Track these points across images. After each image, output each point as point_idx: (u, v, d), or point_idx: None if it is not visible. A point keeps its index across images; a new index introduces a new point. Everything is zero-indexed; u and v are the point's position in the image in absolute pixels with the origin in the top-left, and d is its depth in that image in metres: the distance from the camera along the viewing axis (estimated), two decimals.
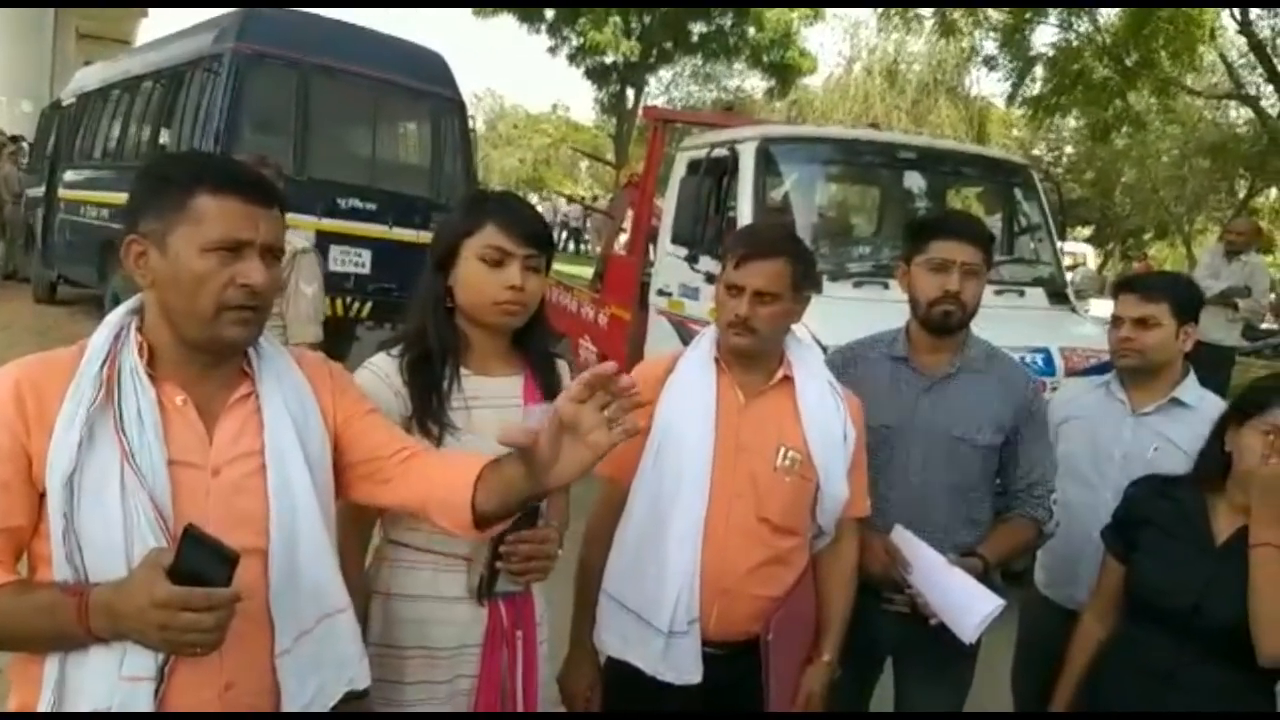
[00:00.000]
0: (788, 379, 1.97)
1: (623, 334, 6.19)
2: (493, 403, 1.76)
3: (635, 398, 1.25)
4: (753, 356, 1.95)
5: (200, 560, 1.14)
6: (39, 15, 22.41)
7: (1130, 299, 2.43)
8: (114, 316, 1.36)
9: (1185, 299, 2.42)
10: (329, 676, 1.41)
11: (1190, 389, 2.44)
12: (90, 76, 10.82)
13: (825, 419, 1.95)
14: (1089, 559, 2.27)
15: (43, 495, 1.25)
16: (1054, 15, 11.42)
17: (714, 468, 1.89)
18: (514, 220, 1.72)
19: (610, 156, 23.75)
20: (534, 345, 1.84)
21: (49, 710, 1.24)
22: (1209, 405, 2.32)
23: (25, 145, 13.84)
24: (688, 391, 1.95)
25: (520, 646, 1.79)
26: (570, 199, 22.05)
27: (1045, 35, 12.11)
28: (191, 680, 1.28)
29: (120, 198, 8.52)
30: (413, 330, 1.77)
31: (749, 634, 1.93)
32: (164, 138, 8.12)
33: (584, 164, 39.18)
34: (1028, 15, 11.31)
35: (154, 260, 1.31)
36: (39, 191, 10.94)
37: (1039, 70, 11.85)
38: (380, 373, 1.72)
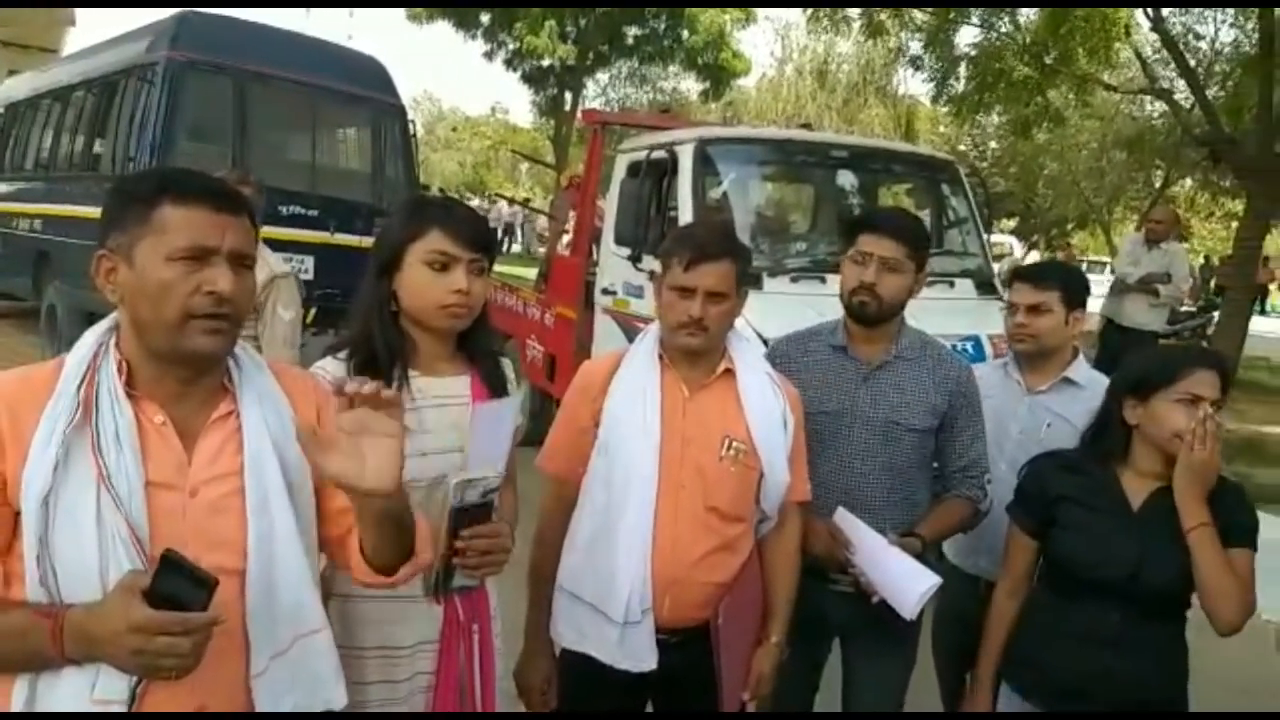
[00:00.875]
0: (729, 372, 2.02)
1: (569, 333, 6.28)
2: (441, 402, 1.80)
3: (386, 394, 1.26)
4: (702, 353, 2.00)
5: (177, 585, 1.13)
6: None
7: (1024, 288, 2.60)
8: (92, 334, 1.34)
9: (1074, 287, 2.60)
10: (303, 696, 1.39)
11: (1080, 369, 2.62)
12: (19, 86, 10.57)
13: (766, 409, 2.02)
14: (992, 528, 2.40)
15: (18, 514, 1.23)
16: (976, 16, 11.76)
17: (661, 461, 1.94)
18: (458, 225, 1.75)
19: (550, 159, 23.76)
20: (479, 345, 1.88)
21: None
22: (1097, 383, 2.45)
23: None
24: (633, 388, 2.00)
25: (477, 640, 1.83)
26: (512, 201, 21.99)
27: (968, 35, 12.46)
28: (164, 703, 1.25)
29: (53, 209, 8.41)
30: (357, 335, 1.79)
31: (699, 620, 1.99)
32: (98, 147, 8.01)
33: (524, 166, 39.04)
34: (951, 15, 11.62)
35: (122, 274, 1.29)
36: None
37: (963, 69, 12.19)
38: (329, 377, 1.70)
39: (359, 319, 1.81)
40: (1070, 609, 2.05)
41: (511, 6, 20.35)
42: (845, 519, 2.19)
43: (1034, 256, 17.68)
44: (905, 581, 2.10)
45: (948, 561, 2.72)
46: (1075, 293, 2.60)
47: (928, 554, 2.25)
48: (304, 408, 1.45)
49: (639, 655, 1.94)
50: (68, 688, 1.22)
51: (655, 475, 1.94)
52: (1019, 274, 2.72)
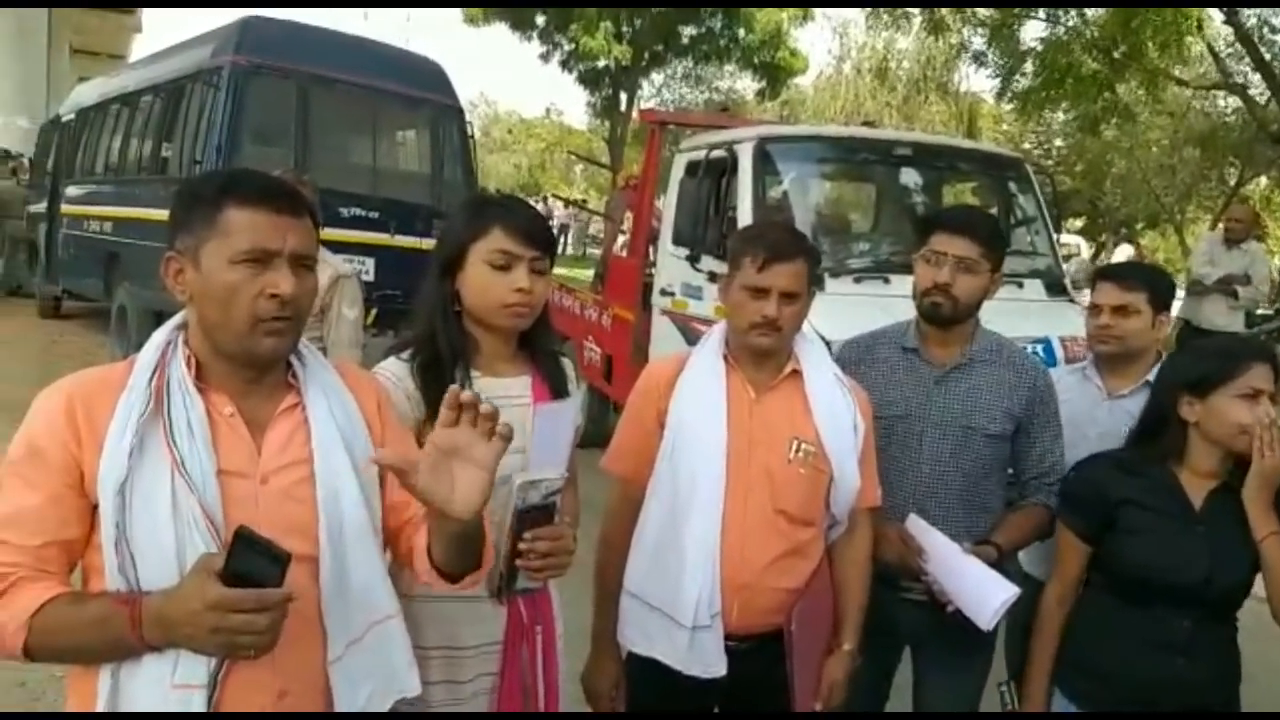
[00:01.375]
0: (796, 373, 2.00)
1: (627, 334, 6.26)
2: (503, 402, 1.76)
3: (494, 413, 1.27)
4: (770, 353, 1.99)
5: (251, 561, 1.14)
6: (33, 32, 22.39)
7: (1109, 288, 2.52)
8: (162, 331, 1.38)
9: (1161, 289, 2.53)
10: (380, 684, 1.41)
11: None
12: (89, 92, 10.88)
13: (835, 411, 1.99)
14: None
15: (95, 508, 1.27)
16: (1042, 10, 11.51)
17: (729, 463, 1.92)
18: (519, 224, 1.75)
19: (605, 159, 23.82)
20: (540, 345, 1.88)
21: None
22: None
23: (25, 161, 13.88)
24: (699, 390, 1.98)
25: (540, 642, 1.83)
26: (568, 203, 22.08)
27: (1033, 30, 12.19)
28: (244, 687, 1.28)
29: (123, 212, 8.63)
30: (420, 334, 1.79)
31: (770, 626, 1.95)
32: (165, 151, 8.19)
33: (579, 167, 39.23)
34: (1016, 10, 11.39)
35: (189, 276, 1.33)
36: (41, 207, 11.00)
37: (1028, 65, 11.92)
38: (393, 377, 1.73)
39: (422, 319, 1.81)
40: (1138, 615, 2.00)
41: (572, 6, 20.35)
42: (917, 525, 2.14)
43: (1124, 254, 17.12)
44: (982, 591, 2.04)
45: (1019, 569, 2.64)
46: (1162, 295, 2.53)
47: (1005, 563, 2.19)
48: (367, 403, 1.49)
49: (708, 661, 1.91)
50: (148, 675, 1.24)
51: (722, 477, 1.91)
52: (1105, 274, 2.64)
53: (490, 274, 1.74)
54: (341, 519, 1.37)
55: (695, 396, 1.98)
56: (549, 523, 1.62)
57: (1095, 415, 2.54)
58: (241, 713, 1.29)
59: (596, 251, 16.16)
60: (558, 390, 1.85)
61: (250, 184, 1.34)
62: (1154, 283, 2.53)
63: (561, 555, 1.65)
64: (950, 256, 2.19)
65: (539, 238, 1.77)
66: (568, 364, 1.94)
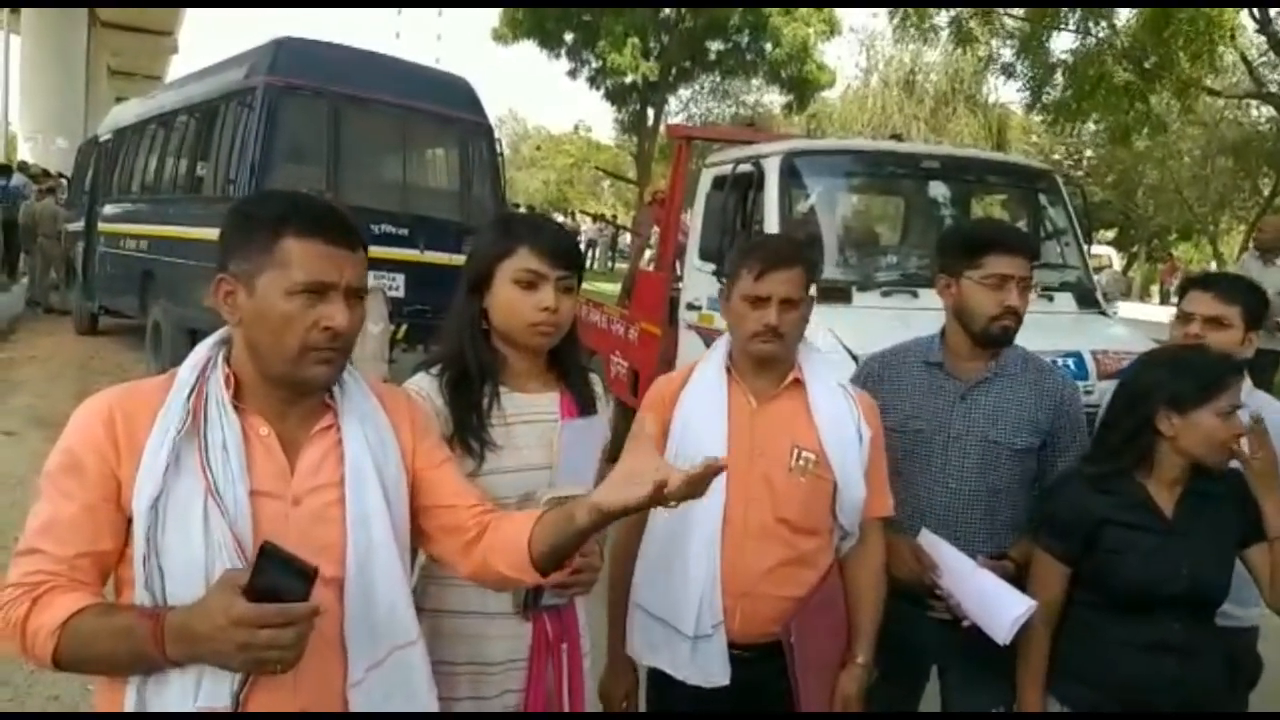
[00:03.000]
0: (798, 382, 2.01)
1: (654, 348, 6.26)
2: (531, 419, 1.80)
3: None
4: (774, 362, 2.00)
5: (277, 576, 1.13)
6: (72, 53, 22.88)
7: (1204, 297, 2.45)
8: (203, 347, 1.39)
9: (1256, 306, 2.46)
10: (398, 708, 1.41)
11: (1244, 390, 2.40)
12: (126, 112, 11.09)
13: (837, 418, 1.99)
14: None
15: (129, 521, 1.28)
16: (1071, 21, 11.43)
17: (729, 472, 1.88)
18: (546, 243, 1.76)
19: (632, 175, 23.91)
20: (568, 361, 1.89)
21: None
22: (1259, 403, 2.30)
23: (63, 181, 14.17)
24: (700, 400, 2.01)
25: (565, 659, 1.82)
26: (595, 218, 22.18)
27: (1063, 42, 12.13)
28: (266, 708, 1.28)
29: (158, 230, 8.76)
30: (450, 351, 1.81)
31: (774, 635, 1.95)
32: (200, 170, 8.32)
33: (606, 183, 39.39)
34: (1045, 20, 11.32)
35: (242, 299, 1.33)
36: (78, 225, 11.21)
37: (1058, 76, 11.84)
38: (422, 392, 1.75)
39: (451, 336, 1.83)
40: (1129, 622, 2.02)
41: (619, 6, 20.28)
42: (929, 540, 2.14)
43: (1134, 268, 16.92)
44: (997, 605, 2.03)
45: None
46: (1256, 311, 2.46)
47: (1025, 579, 2.15)
48: (400, 423, 1.50)
49: (710, 670, 1.93)
50: (174, 693, 1.24)
51: (722, 486, 1.91)
52: (1199, 282, 2.55)
53: (517, 292, 1.75)
54: (370, 542, 1.38)
55: (696, 407, 2.01)
56: None
57: None
58: (250, 713, 1.27)
59: (623, 266, 16.22)
60: (586, 407, 1.86)
61: (310, 215, 1.34)
62: (1250, 298, 2.46)
63: (587, 572, 1.64)
64: (1016, 278, 2.19)
65: (566, 257, 1.78)
66: (596, 380, 1.95)
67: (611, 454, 1.98)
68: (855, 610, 2.08)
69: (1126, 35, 11.14)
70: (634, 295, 7.06)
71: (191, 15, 31.12)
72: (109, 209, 10.27)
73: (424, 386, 1.77)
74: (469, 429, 1.73)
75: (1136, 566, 1.99)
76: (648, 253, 8.91)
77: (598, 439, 1.79)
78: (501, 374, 1.80)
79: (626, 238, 16.00)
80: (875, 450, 2.05)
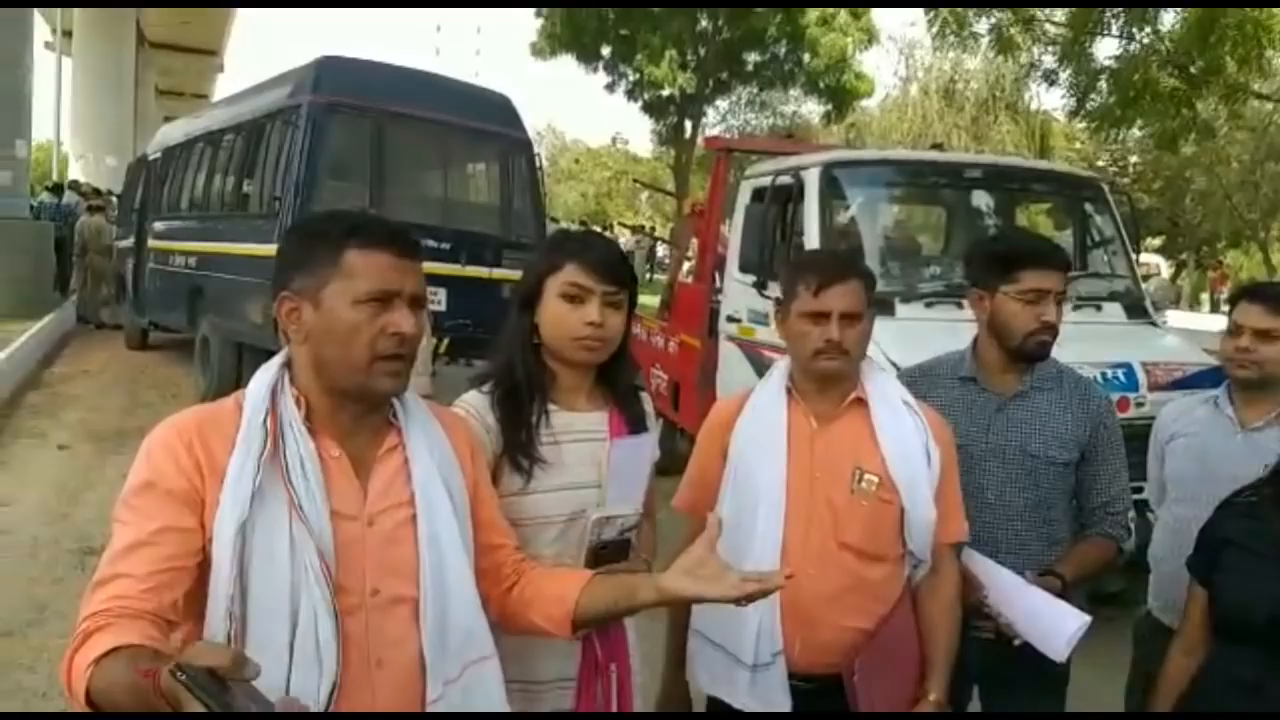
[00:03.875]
0: (860, 401, 1.94)
1: (693, 361, 6.26)
2: (580, 437, 1.80)
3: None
4: (836, 380, 1.93)
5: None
6: (121, 74, 23.48)
7: (1255, 309, 2.38)
8: (265, 371, 1.40)
9: None
10: None
11: None
12: (174, 131, 11.35)
13: (903, 439, 1.91)
14: None
15: (204, 545, 1.27)
16: (1115, 26, 11.26)
17: (789, 495, 1.88)
18: (593, 258, 1.76)
19: (670, 186, 23.95)
20: (618, 380, 1.87)
21: None
22: None
23: (114, 198, 14.50)
24: (759, 422, 1.96)
25: (614, 680, 1.81)
26: (633, 230, 22.25)
27: (1106, 47, 11.96)
28: None
29: (206, 246, 8.94)
30: (500, 367, 1.81)
31: (837, 668, 1.87)
32: (246, 187, 8.48)
33: (644, 195, 39.50)
34: (1088, 26, 11.16)
35: (307, 315, 1.34)
36: (129, 243, 11.47)
37: (1102, 83, 11.65)
38: (473, 410, 1.75)
39: (502, 352, 1.83)
40: (1221, 653, 1.93)
41: (667, 7, 20.25)
42: (974, 559, 2.07)
43: (1182, 277, 16.61)
44: (1051, 622, 1.97)
45: (1150, 614, 2.55)
46: None
47: (1071, 594, 2.11)
48: (460, 445, 1.52)
49: (771, 702, 1.86)
50: None
51: (782, 509, 1.87)
52: (1251, 293, 2.47)
53: (563, 307, 1.75)
54: (442, 560, 1.39)
55: (755, 429, 1.96)
56: (623, 559, 1.62)
57: (1228, 451, 2.38)
58: (254, 713, 1.19)
59: (661, 278, 16.23)
60: (635, 426, 1.85)
61: (372, 228, 1.38)
62: None
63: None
64: (1052, 293, 2.16)
65: (614, 272, 1.77)
66: (646, 399, 1.93)
67: (660, 468, 1.98)
68: (928, 643, 1.97)
69: (1171, 40, 10.95)
70: (673, 307, 7.07)
71: (236, 35, 31.73)
72: (158, 226, 10.50)
73: (475, 404, 1.77)
74: (518, 447, 1.73)
75: (1231, 588, 1.90)
76: (686, 264, 8.92)
77: (647, 458, 1.78)
78: (551, 391, 1.80)
79: (663, 249, 16.03)
80: (947, 470, 1.95)
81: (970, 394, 2.24)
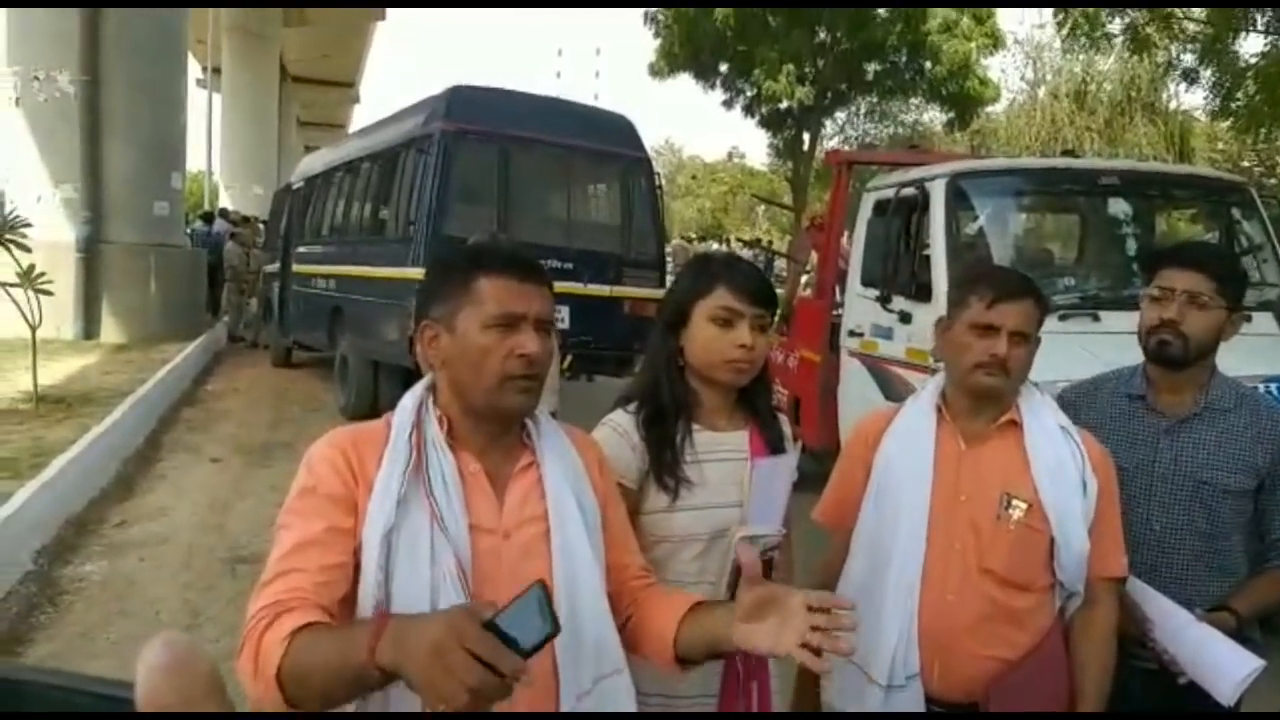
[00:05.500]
0: (1013, 424, 1.89)
1: (813, 376, 6.22)
2: (723, 456, 1.83)
3: (841, 627, 1.25)
4: (991, 399, 1.89)
5: (529, 618, 1.08)
6: (265, 107, 24.92)
7: None
8: (411, 395, 1.49)
9: None
10: None
11: None
12: (315, 161, 11.97)
13: (1058, 465, 1.85)
14: None
15: (356, 551, 1.34)
16: (1260, 20, 10.66)
17: (933, 516, 1.85)
18: (743, 282, 1.80)
19: (787, 199, 23.78)
20: (759, 400, 1.91)
21: None
22: None
23: (260, 225, 15.37)
24: (906, 439, 1.93)
25: (755, 697, 1.82)
26: (747, 244, 22.17)
27: (1252, 44, 11.32)
28: None
29: (345, 270, 9.41)
30: (646, 388, 1.86)
31: (979, 695, 1.82)
32: (383, 213, 8.88)
33: (760, 209, 39.36)
34: (1231, 22, 10.59)
35: (444, 341, 1.43)
36: (274, 267, 12.14)
37: (1248, 80, 11.04)
38: (620, 429, 1.80)
39: (647, 372, 1.89)
40: None
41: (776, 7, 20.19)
42: (1139, 590, 1.98)
43: None
44: (1221, 663, 1.87)
45: (1262, 638, 2.41)
46: None
47: (1247, 631, 2.00)
48: (591, 465, 1.57)
49: None
50: None
51: (924, 529, 1.84)
52: None
53: (714, 330, 1.79)
54: (576, 574, 1.42)
55: (901, 446, 1.93)
56: (766, 578, 1.62)
57: None
58: (267, 713, 1.24)
59: (778, 290, 16.10)
60: (774, 446, 1.87)
61: (499, 256, 1.46)
62: None
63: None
64: (1178, 291, 2.06)
65: (761, 296, 1.81)
66: (784, 420, 1.96)
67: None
68: (1078, 680, 1.89)
69: None
70: (793, 322, 7.04)
71: (371, 67, 33.24)
72: (301, 250, 11.09)
73: (622, 423, 1.82)
74: (665, 467, 1.77)
75: None
76: (804, 278, 8.86)
77: (787, 478, 1.78)
78: (694, 411, 1.84)
79: (780, 263, 15.92)
80: (1105, 502, 1.88)
81: (1139, 413, 2.14)
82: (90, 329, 11.42)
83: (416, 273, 6.95)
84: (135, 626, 4.11)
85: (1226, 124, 14.16)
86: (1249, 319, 4.41)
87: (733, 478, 1.82)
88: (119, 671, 4.02)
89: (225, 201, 22.26)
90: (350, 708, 1.27)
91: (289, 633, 1.22)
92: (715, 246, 23.59)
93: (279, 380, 11.29)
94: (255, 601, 1.29)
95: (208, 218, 17.64)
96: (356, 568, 1.35)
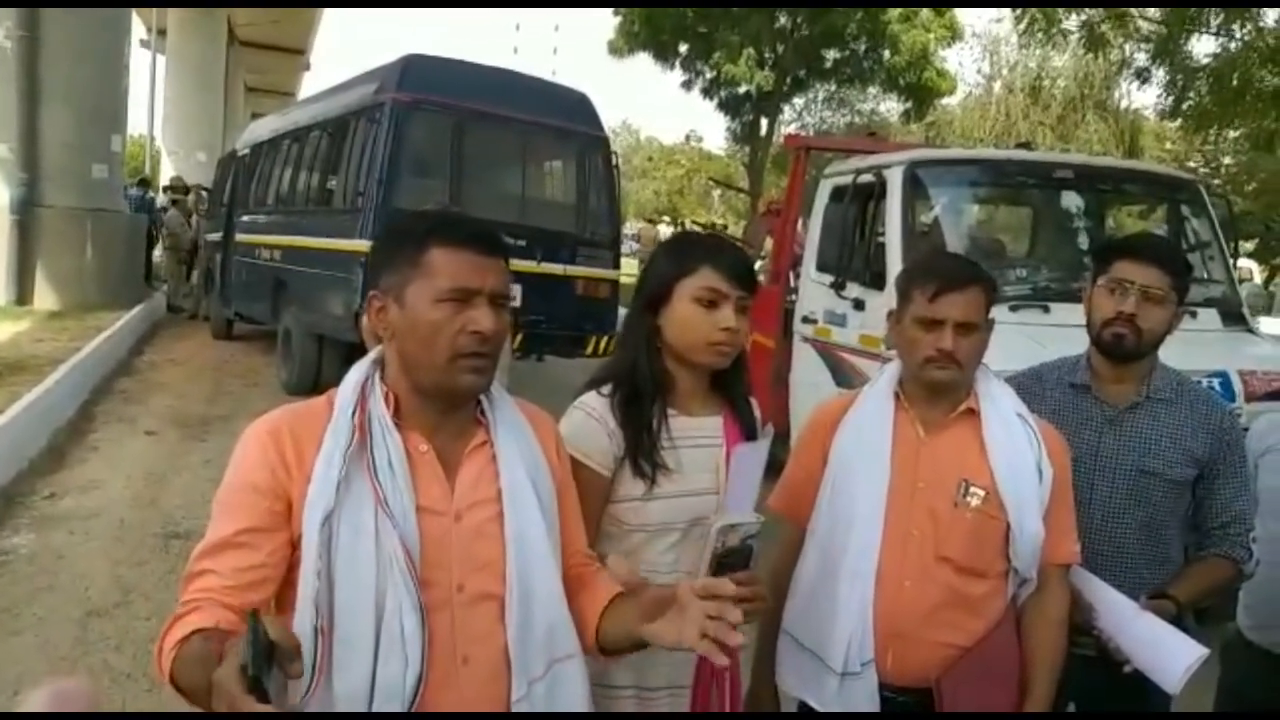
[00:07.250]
0: (971, 412, 1.87)
1: (767, 362, 6.20)
2: (698, 442, 1.78)
3: (727, 618, 1.23)
4: (947, 389, 1.87)
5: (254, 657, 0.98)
6: (212, 71, 24.25)
7: None
8: (357, 369, 1.41)
9: None
10: None
11: None
12: (262, 128, 11.66)
13: (1014, 452, 1.84)
14: None
15: (294, 542, 1.30)
16: (1213, 22, 10.84)
17: (890, 504, 1.83)
18: (729, 263, 1.74)
19: (743, 184, 23.82)
20: (737, 385, 1.86)
21: None
22: None
23: (204, 193, 14.99)
24: (863, 427, 1.91)
25: (728, 684, 1.81)
26: (705, 228, 22.17)
27: (1204, 45, 11.52)
28: None
29: (290, 240, 9.19)
30: (622, 369, 1.79)
31: (930, 683, 1.81)
32: (330, 183, 8.67)
33: (717, 193, 39.41)
34: (1184, 23, 10.76)
35: (393, 314, 1.36)
36: (217, 236, 11.83)
37: (1199, 81, 11.23)
38: (595, 413, 1.74)
39: (624, 352, 1.82)
40: None
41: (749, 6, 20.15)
42: (1084, 579, 1.98)
43: (1277, 282, 15.91)
44: (1165, 652, 1.88)
45: (1240, 634, 2.43)
46: None
47: (1185, 618, 2.02)
48: (547, 443, 1.51)
49: (859, 709, 1.82)
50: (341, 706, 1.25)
51: (880, 517, 1.82)
52: None
53: (697, 311, 1.73)
54: (529, 557, 1.38)
55: (859, 434, 1.90)
56: (745, 567, 1.57)
57: None
58: (269, 713, 1.18)
59: None
60: (749, 432, 1.83)
61: (453, 226, 1.38)
62: None
63: (757, 602, 1.58)
64: (1137, 285, 2.05)
65: (745, 278, 1.76)
66: (755, 405, 1.90)
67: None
68: (1030, 664, 1.89)
69: (1273, 38, 10.49)
70: None
71: (323, 34, 32.59)
72: (245, 220, 10.81)
73: (596, 407, 1.76)
74: (642, 452, 1.72)
75: None
76: (758, 263, 8.85)
77: (760, 465, 1.73)
78: (670, 395, 1.78)
79: None
80: (1060, 489, 1.87)
81: (1081, 403, 2.14)
82: (23, 295, 11.01)
83: (364, 245, 6.77)
84: (62, 602, 4.00)
85: (1175, 124, 14.43)
86: (1194, 315, 4.55)
87: (708, 464, 1.77)
88: (40, 650, 3.84)
89: (168, 168, 21.69)
90: (401, 699, 1.27)
91: (181, 638, 1.20)
92: (669, 230, 23.55)
93: (219, 353, 11.02)
94: (181, 592, 1.29)
95: (143, 183, 17.14)
96: (297, 560, 1.29)
